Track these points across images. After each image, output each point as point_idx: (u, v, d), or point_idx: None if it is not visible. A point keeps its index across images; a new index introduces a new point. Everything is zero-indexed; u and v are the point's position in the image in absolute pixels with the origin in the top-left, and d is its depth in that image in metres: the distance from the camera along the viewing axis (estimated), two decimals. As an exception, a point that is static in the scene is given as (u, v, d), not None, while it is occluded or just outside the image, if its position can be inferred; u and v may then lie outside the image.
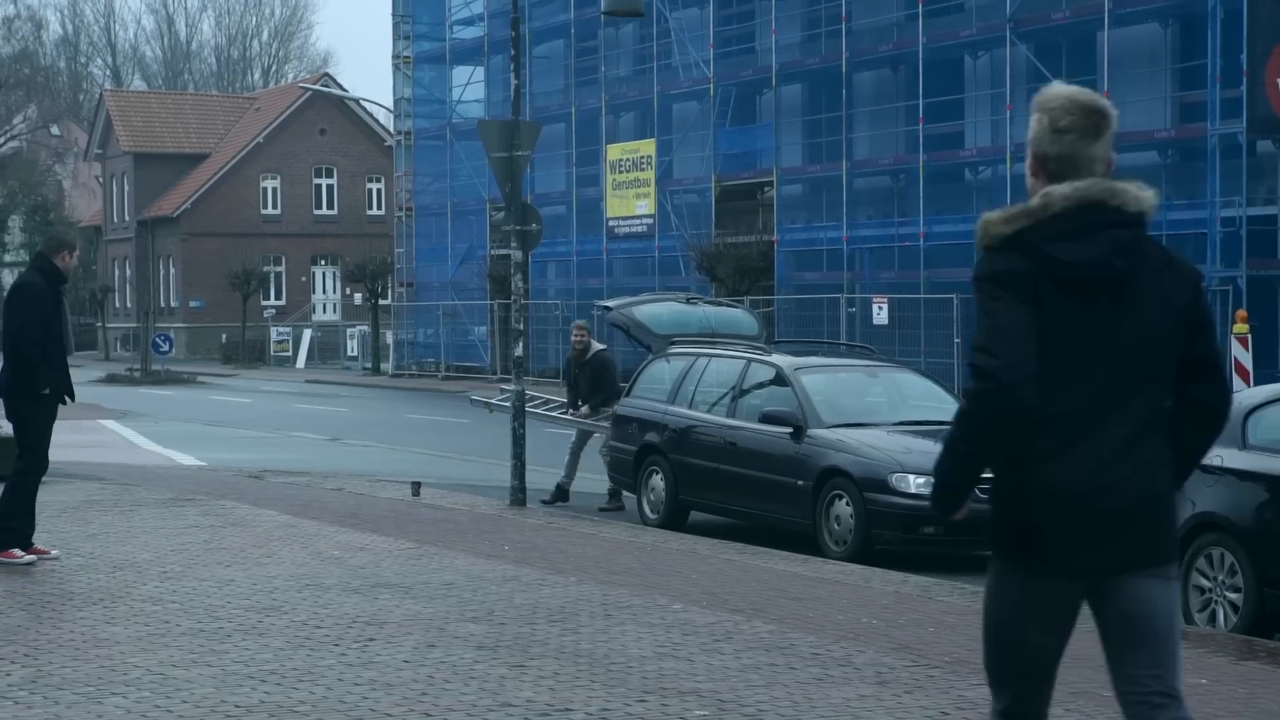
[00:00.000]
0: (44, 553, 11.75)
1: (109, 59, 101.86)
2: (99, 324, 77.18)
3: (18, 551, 11.55)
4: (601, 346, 18.65)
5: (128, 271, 77.56)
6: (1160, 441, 4.64)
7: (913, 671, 8.50)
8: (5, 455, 12.44)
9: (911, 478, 13.62)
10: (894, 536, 13.68)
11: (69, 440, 24.94)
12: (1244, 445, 10.57)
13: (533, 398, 18.80)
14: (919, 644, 9.33)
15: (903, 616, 10.34)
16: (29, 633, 9.00)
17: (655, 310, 18.04)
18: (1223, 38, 29.63)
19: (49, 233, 75.77)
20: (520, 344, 17.32)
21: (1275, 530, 10.14)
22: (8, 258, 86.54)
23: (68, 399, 11.83)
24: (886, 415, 15.14)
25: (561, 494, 17.66)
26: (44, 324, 11.52)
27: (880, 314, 35.37)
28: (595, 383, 18.01)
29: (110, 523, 14.16)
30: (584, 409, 17.99)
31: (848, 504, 13.88)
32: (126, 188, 76.77)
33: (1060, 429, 4.51)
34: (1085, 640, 9.42)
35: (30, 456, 11.63)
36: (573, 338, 18.62)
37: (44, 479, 17.28)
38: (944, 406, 15.66)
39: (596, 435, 17.91)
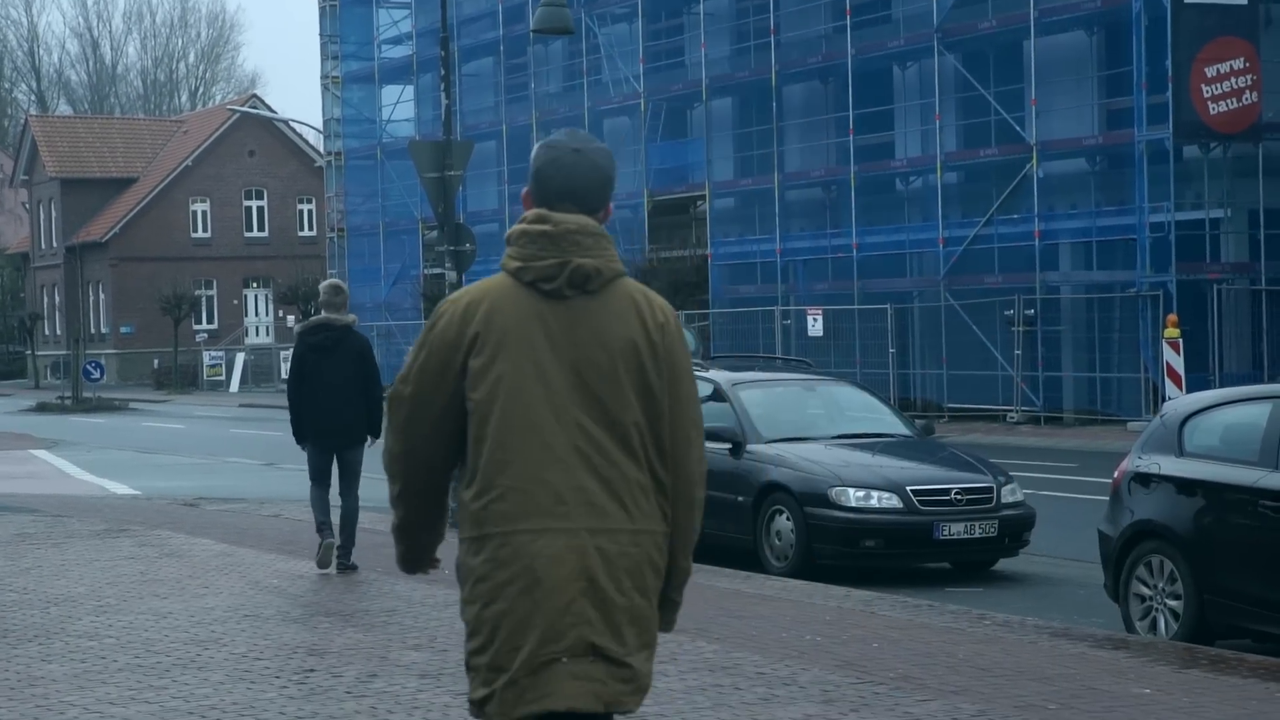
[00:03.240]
0: (-24, 589, 11.49)
1: (33, 84, 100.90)
2: (28, 352, 76.38)
3: (-51, 589, 11.29)
4: None
5: (57, 298, 76.80)
6: None
7: (858, 689, 8.48)
8: None
9: (851, 491, 13.64)
10: (835, 551, 13.68)
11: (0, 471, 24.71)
12: (1180, 453, 10.62)
13: None
14: (863, 660, 9.31)
15: (846, 632, 10.33)
16: (-38, 673, 8.85)
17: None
18: (1148, 44, 29.90)
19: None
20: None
21: (1214, 537, 10.19)
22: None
23: None
24: (825, 429, 15.15)
25: None
26: None
27: (815, 326, 35.46)
28: None
29: (43, 556, 13.97)
30: None
31: (788, 519, 13.87)
32: (54, 214, 76.04)
33: None
34: (1028, 652, 9.45)
35: None
36: None
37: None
38: (881, 419, 15.72)
39: None
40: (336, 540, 12.79)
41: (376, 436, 12.77)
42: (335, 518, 12.97)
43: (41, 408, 51.94)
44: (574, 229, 4.43)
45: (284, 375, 59.72)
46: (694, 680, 8.66)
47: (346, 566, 12.86)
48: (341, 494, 13.12)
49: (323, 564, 12.75)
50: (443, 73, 17.49)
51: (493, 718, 4.30)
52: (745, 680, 8.68)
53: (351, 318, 13.30)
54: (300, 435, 13.06)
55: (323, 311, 13.07)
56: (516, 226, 4.49)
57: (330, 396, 12.87)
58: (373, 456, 17.09)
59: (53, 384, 64.74)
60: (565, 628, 4.23)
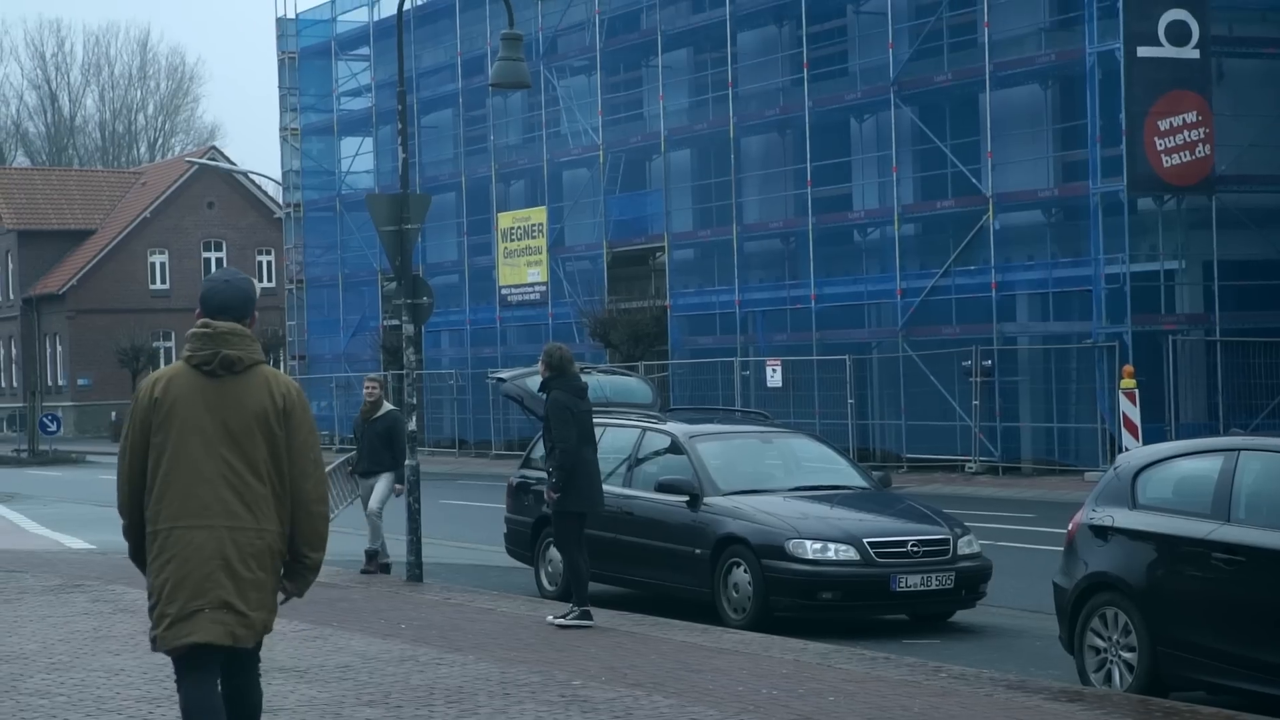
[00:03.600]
0: (-74, 647, 11.45)
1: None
2: (-15, 404, 75.91)
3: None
4: (393, 407, 17.81)
5: (13, 350, 76.37)
6: None
7: (813, 743, 8.47)
8: None
9: (808, 543, 13.65)
10: (792, 603, 13.69)
11: (-46, 526, 24.50)
12: (1134, 505, 10.67)
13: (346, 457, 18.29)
14: (819, 714, 9.31)
15: (803, 685, 10.32)
16: (-90, 733, 8.76)
17: (548, 380, 17.92)
18: (1101, 98, 30.18)
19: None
20: (414, 417, 17.19)
21: (1167, 589, 10.23)
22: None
23: None
24: (782, 481, 15.17)
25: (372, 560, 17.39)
26: None
27: (774, 377, 35.54)
28: (386, 443, 17.18)
29: (-4, 612, 13.85)
30: (396, 485, 17.05)
31: (745, 571, 13.86)
32: (10, 266, 75.68)
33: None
34: (984, 705, 9.42)
35: None
36: (365, 392, 17.88)
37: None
38: (839, 471, 15.75)
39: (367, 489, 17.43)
40: None
41: None
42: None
43: (-3, 461, 51.55)
44: (225, 331, 6.60)
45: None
46: (649, 736, 8.64)
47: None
48: None
49: None
50: (400, 126, 17.50)
51: (159, 648, 6.52)
52: (701, 735, 8.66)
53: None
54: None
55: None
56: (190, 330, 6.64)
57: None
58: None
59: (9, 437, 64.35)
60: (206, 590, 6.38)
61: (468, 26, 45.83)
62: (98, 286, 70.63)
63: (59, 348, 72.87)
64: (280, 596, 6.68)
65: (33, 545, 22.37)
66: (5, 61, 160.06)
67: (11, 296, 75.77)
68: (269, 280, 72.35)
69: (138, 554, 6.71)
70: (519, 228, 45.01)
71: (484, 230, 46.39)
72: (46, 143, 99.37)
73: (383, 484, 17.25)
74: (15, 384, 74.72)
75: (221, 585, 6.38)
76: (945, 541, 14.00)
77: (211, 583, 6.38)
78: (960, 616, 14.38)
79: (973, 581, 14.05)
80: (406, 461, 16.73)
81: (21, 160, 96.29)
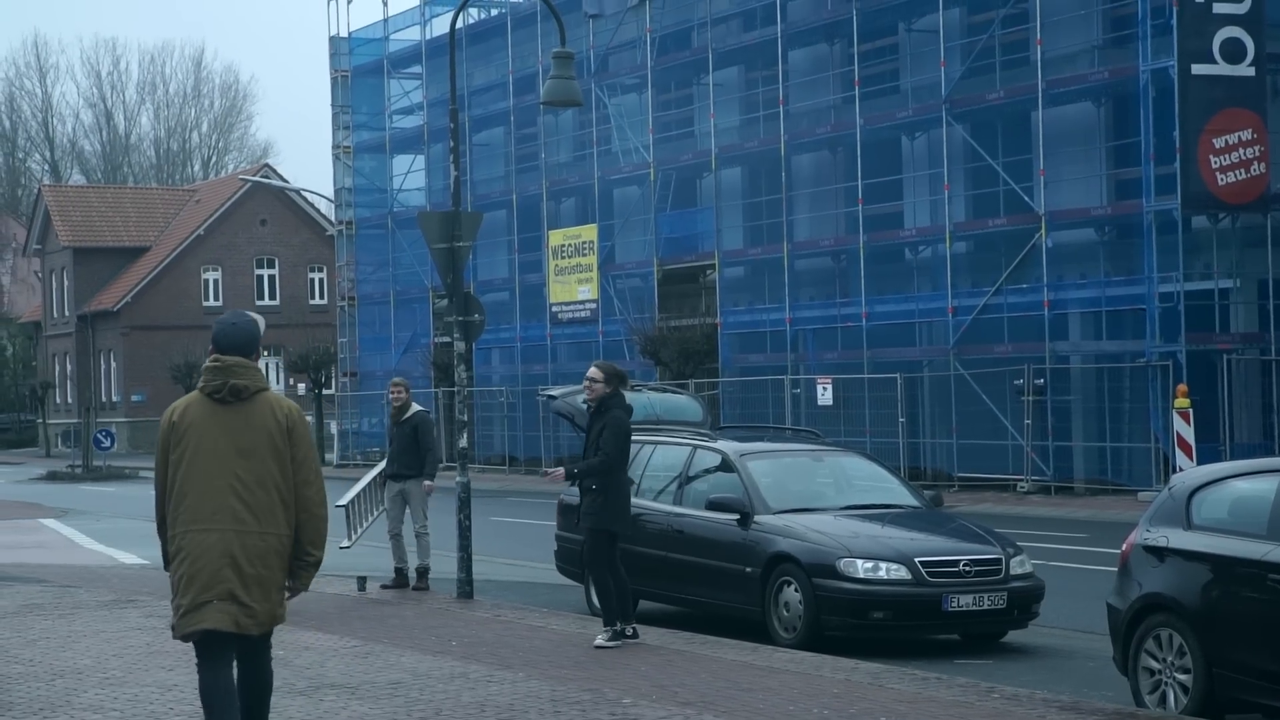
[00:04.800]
0: (-18, 661, 11.54)
1: (47, 154, 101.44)
2: (39, 420, 76.47)
3: (-45, 661, 11.36)
4: (421, 408, 17.82)
5: (68, 366, 77.01)
6: None
7: (865, 764, 8.43)
8: None
9: (860, 562, 13.59)
10: (843, 622, 13.62)
11: (8, 541, 24.72)
12: (1189, 525, 10.59)
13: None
14: (871, 734, 9.26)
15: (854, 705, 10.27)
16: (-34, 747, 8.82)
17: (599, 398, 17.92)
18: (1156, 116, 30.01)
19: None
20: (465, 434, 17.23)
21: (1222, 610, 10.14)
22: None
23: None
24: (833, 500, 15.11)
25: (401, 578, 17.45)
26: None
27: (825, 395, 35.45)
28: (413, 444, 17.27)
29: (50, 627, 13.95)
30: (426, 483, 17.21)
31: (796, 590, 13.81)
32: (66, 282, 76.35)
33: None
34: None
35: None
36: (390, 395, 17.85)
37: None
38: (890, 489, 15.69)
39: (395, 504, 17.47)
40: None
41: None
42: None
43: (52, 476, 51.99)
44: (233, 364, 7.68)
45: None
46: (700, 755, 8.61)
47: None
48: None
49: None
50: (451, 143, 17.55)
51: (177, 635, 7.63)
52: (752, 755, 8.63)
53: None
54: None
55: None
56: (204, 365, 7.77)
57: None
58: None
59: (63, 452, 64.83)
60: (215, 584, 7.43)
61: (519, 45, 46.00)
62: (152, 303, 71.15)
63: (113, 364, 73.41)
64: (286, 593, 7.68)
65: (86, 560, 22.53)
66: (61, 80, 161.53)
67: (67, 313, 76.40)
68: (320, 297, 72.73)
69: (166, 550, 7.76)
70: (570, 245, 45.10)
71: (535, 248, 46.49)
72: (102, 160, 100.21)
73: (417, 498, 17.25)
74: (70, 400, 75.29)
75: (228, 580, 7.42)
76: (998, 561, 13.92)
77: (219, 578, 7.43)
78: (1013, 637, 14.29)
79: (1025, 601, 13.97)
80: (457, 479, 16.76)
81: (77, 178, 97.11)
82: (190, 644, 7.59)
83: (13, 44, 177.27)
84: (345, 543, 17.65)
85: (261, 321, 7.96)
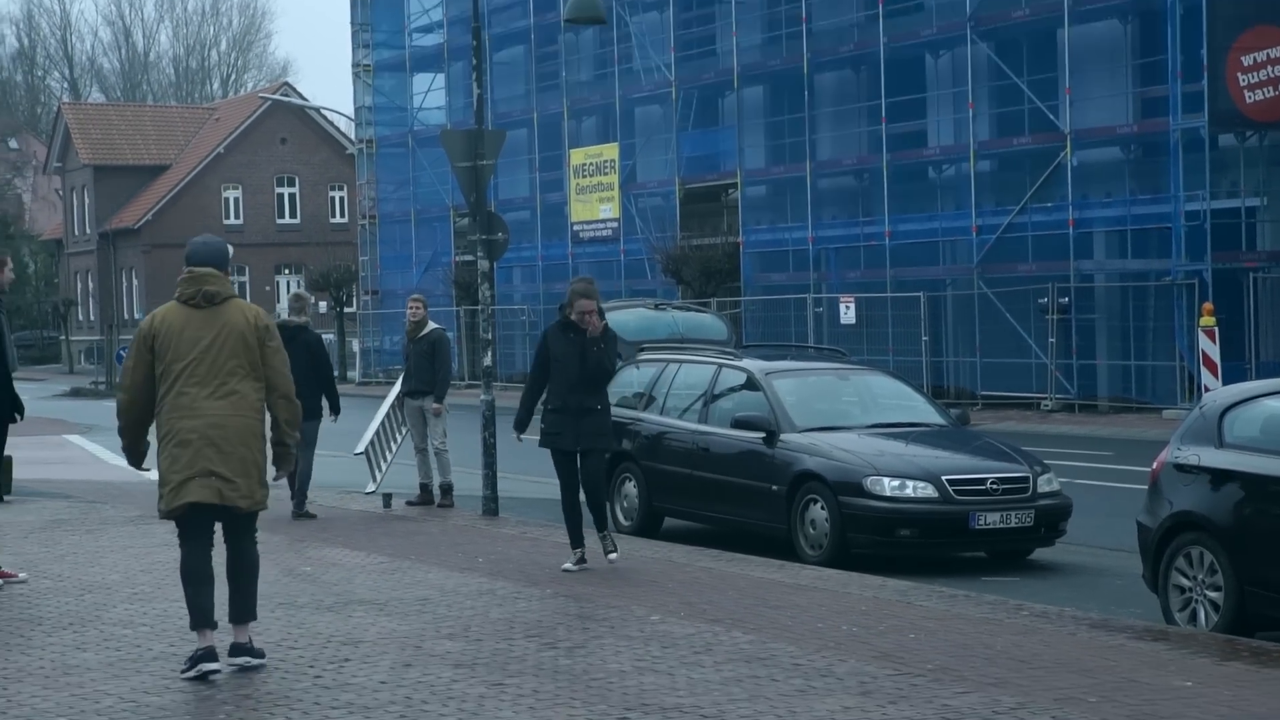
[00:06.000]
0: (10, 576, 11.55)
1: (66, 71, 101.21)
2: (62, 337, 76.68)
3: (-16, 575, 11.40)
4: (437, 325, 17.66)
5: (90, 284, 77.09)
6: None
7: (895, 681, 8.42)
8: None
9: (886, 480, 13.56)
10: (870, 540, 13.61)
11: (34, 457, 24.75)
12: (1220, 444, 10.53)
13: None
14: (900, 651, 9.25)
15: (882, 623, 10.26)
16: (-2, 661, 8.85)
17: (624, 317, 17.91)
18: (1183, 33, 29.70)
19: (10, 247, 75.13)
20: (489, 353, 17.19)
21: (1254, 528, 10.10)
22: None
23: (18, 416, 11.57)
24: (859, 418, 15.06)
25: (426, 494, 17.47)
26: None
27: (847, 314, 35.35)
28: (429, 361, 17.12)
29: (78, 543, 13.99)
30: (433, 404, 17.07)
31: (823, 508, 13.80)
32: (87, 200, 76.31)
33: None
34: (1067, 644, 9.36)
35: None
36: (408, 311, 17.64)
37: (8, 498, 17.27)
38: (916, 408, 15.63)
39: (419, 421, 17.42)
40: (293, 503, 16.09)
41: (336, 413, 16.44)
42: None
43: (75, 393, 52.18)
44: (205, 274, 8.65)
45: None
46: (729, 671, 8.61)
47: (303, 514, 16.13)
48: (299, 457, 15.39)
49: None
50: (474, 61, 17.41)
51: (162, 514, 8.57)
52: (781, 672, 8.63)
53: (305, 319, 16.46)
54: None
55: (285, 315, 16.51)
56: (179, 278, 8.69)
57: None
58: (346, 438, 16.97)
59: (86, 369, 65.05)
60: (197, 463, 8.36)
61: (540, -39, 45.61)
62: (172, 221, 71.01)
63: (135, 281, 73.48)
64: (272, 475, 8.64)
65: (112, 476, 22.58)
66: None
67: (88, 231, 76.42)
68: (341, 216, 72.59)
69: (136, 439, 8.71)
70: (591, 164, 44.89)
71: (556, 166, 46.30)
72: (121, 79, 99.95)
73: (435, 417, 17.18)
74: (93, 317, 75.44)
75: (208, 459, 8.34)
76: (1025, 479, 13.89)
77: (200, 458, 8.35)
78: (1040, 555, 14.28)
79: (1053, 519, 13.94)
80: (482, 397, 16.74)
81: (96, 96, 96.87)
82: (168, 518, 8.55)
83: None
84: (370, 487, 17.61)
85: (230, 248, 9.02)
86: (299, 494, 16.26)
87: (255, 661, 8.62)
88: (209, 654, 8.37)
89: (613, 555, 12.67)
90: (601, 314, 12.56)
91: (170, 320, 8.57)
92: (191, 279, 8.61)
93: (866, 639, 9.65)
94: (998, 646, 9.47)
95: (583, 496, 12.72)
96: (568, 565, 12.46)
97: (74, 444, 29.85)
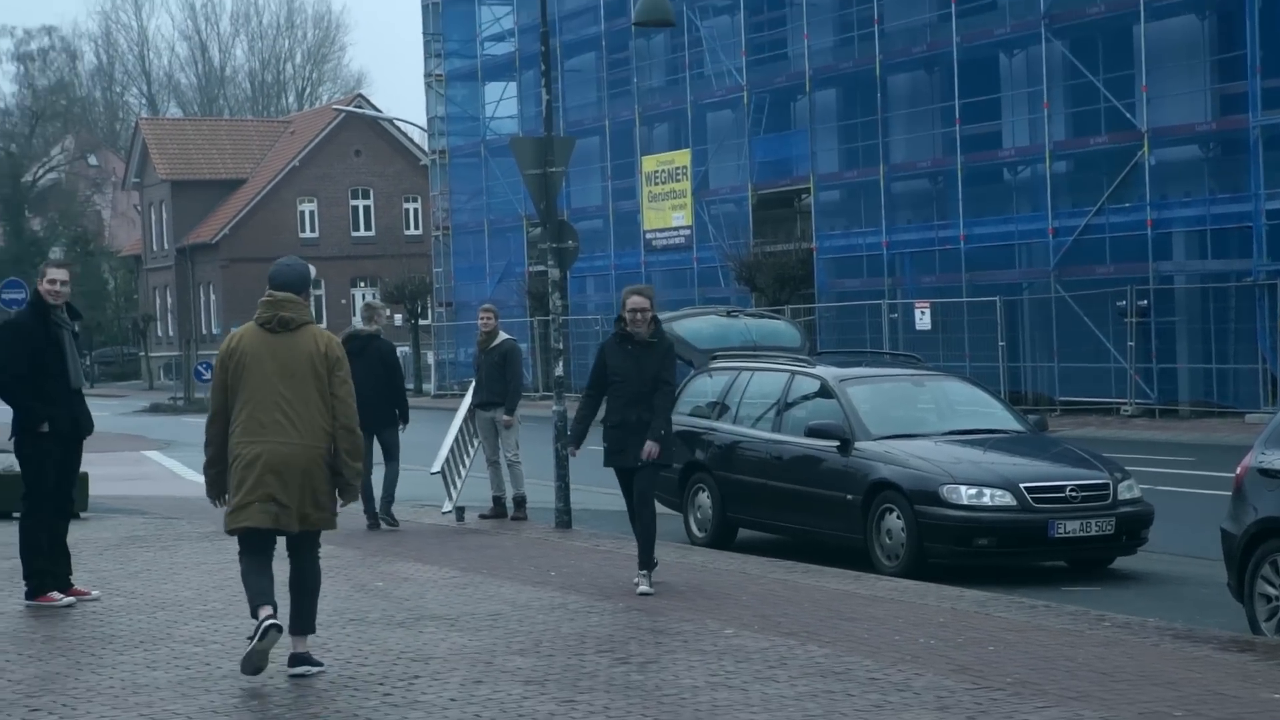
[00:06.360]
0: (84, 594, 11.55)
1: (144, 87, 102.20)
2: (141, 353, 77.36)
3: (55, 595, 11.34)
4: (509, 336, 17.59)
5: (168, 299, 77.74)
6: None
7: (974, 695, 8.24)
8: (15, 493, 12.16)
9: (963, 489, 13.37)
10: (947, 550, 13.41)
11: (112, 473, 24.91)
12: (1306, 448, 10.27)
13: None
14: (979, 664, 9.06)
15: (961, 635, 10.07)
16: (68, 680, 8.80)
17: (696, 325, 17.75)
18: (1262, 27, 29.24)
19: (89, 263, 75.70)
20: (561, 363, 17.10)
21: (1343, 535, 9.83)
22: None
23: (83, 433, 11.44)
24: (935, 425, 14.86)
25: (499, 507, 17.38)
26: (30, 359, 11.22)
27: (923, 319, 35.05)
28: (500, 373, 17.06)
29: (152, 559, 14.00)
30: (504, 416, 17.03)
31: (899, 517, 13.61)
32: (165, 216, 76.96)
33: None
34: (1151, 655, 9.12)
35: (30, 498, 11.38)
36: (479, 322, 17.61)
37: (85, 515, 17.33)
38: (993, 414, 15.41)
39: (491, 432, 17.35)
40: (378, 508, 16.52)
41: (405, 422, 16.68)
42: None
43: (154, 409, 52.61)
44: (283, 299, 8.84)
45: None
46: (804, 686, 8.46)
47: (387, 517, 16.54)
48: (386, 463, 16.55)
49: (371, 527, 16.42)
50: (543, 69, 17.33)
51: (226, 529, 8.80)
52: (857, 686, 8.47)
53: (376, 329, 16.63)
54: None
55: (359, 325, 16.84)
56: (260, 300, 8.89)
57: (361, 390, 15.41)
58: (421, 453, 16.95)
59: (165, 385, 65.58)
60: (259, 487, 8.59)
61: (610, -32, 45.56)
62: (249, 235, 71.54)
63: (212, 296, 74.02)
64: (339, 503, 8.88)
65: (188, 492, 22.66)
66: (157, 14, 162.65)
67: (166, 246, 77.06)
68: (415, 228, 72.83)
69: (218, 464, 8.84)
70: (663, 171, 44.79)
71: (628, 174, 46.23)
72: (198, 93, 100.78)
73: (507, 429, 17.11)
74: (171, 332, 76.05)
75: (269, 485, 8.58)
76: (1105, 486, 13.65)
77: (261, 483, 8.58)
78: (1121, 563, 14.02)
79: (1134, 527, 13.69)
80: (554, 408, 16.66)
81: (174, 111, 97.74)
82: (230, 535, 8.84)
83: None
84: (447, 506, 17.55)
85: (312, 269, 9.29)
86: (384, 500, 16.53)
87: (314, 670, 8.76)
88: (269, 618, 8.55)
89: (643, 588, 11.79)
90: (657, 321, 12.28)
91: (246, 344, 8.81)
92: (270, 303, 8.83)
93: (944, 652, 9.46)
94: (1079, 659, 9.27)
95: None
96: (644, 588, 11.80)
97: (152, 460, 30.04)
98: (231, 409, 8.75)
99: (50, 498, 11.35)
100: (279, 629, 8.53)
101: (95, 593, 11.69)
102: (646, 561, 12.02)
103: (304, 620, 8.84)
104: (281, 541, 8.86)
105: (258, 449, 8.61)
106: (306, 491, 8.65)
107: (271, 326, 8.78)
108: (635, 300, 12.22)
